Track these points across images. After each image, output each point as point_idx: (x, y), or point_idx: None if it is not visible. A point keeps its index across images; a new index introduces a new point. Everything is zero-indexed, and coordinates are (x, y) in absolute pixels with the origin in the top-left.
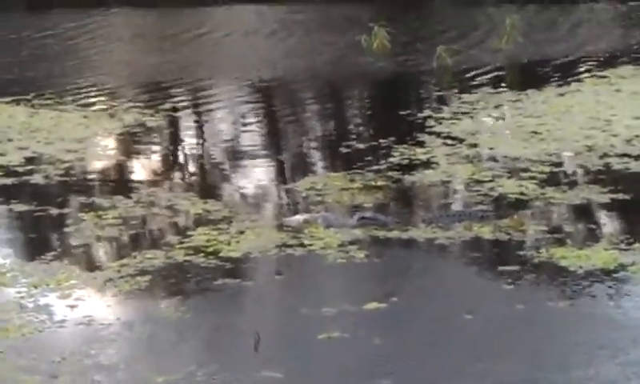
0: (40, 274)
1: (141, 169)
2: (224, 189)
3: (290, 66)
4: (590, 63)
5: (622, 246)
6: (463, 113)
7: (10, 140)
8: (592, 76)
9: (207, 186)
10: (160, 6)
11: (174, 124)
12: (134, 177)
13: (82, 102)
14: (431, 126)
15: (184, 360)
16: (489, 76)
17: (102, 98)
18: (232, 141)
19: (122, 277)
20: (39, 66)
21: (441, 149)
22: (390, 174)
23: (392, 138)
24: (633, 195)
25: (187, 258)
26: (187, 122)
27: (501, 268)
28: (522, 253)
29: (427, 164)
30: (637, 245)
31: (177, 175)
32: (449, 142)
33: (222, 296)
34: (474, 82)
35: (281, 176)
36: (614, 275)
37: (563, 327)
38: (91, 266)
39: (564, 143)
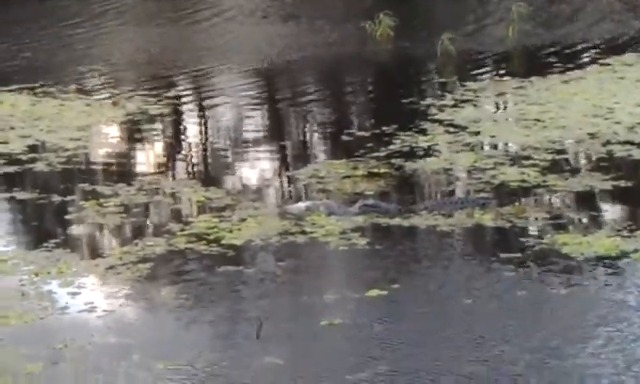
0: (42, 261)
1: (143, 157)
2: (226, 176)
3: (293, 53)
4: (594, 51)
5: (624, 233)
6: (466, 100)
7: (12, 128)
8: (596, 63)
9: (209, 173)
10: None
11: (176, 112)
12: (136, 165)
13: (85, 90)
14: (434, 114)
15: (185, 346)
16: (492, 63)
17: (105, 86)
18: (234, 128)
19: (123, 264)
20: (41, 55)
21: (443, 136)
22: (392, 161)
23: (394, 126)
24: (635, 182)
25: (189, 245)
26: (190, 109)
27: (502, 255)
28: (523, 240)
29: (429, 151)
30: (639, 232)
31: (179, 163)
32: (451, 129)
33: (223, 283)
34: (478, 70)
35: (283, 163)
36: (616, 262)
37: (565, 314)
38: (93, 253)
39: (567, 131)
